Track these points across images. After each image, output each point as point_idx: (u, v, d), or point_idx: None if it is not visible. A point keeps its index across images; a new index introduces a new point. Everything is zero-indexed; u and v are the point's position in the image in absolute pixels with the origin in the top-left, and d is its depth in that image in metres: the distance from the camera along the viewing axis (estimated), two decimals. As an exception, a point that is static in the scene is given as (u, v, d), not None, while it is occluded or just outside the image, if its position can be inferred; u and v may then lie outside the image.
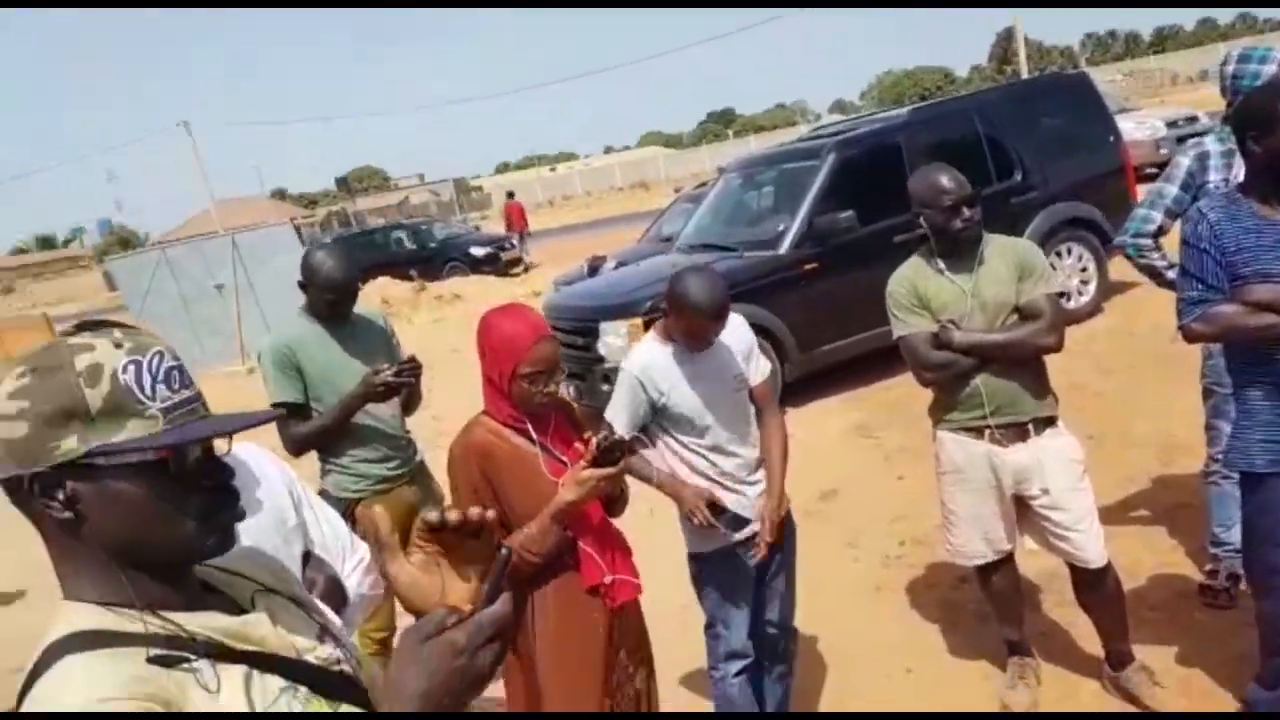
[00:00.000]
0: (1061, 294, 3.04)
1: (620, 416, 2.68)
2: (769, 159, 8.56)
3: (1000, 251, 2.87)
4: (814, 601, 3.12)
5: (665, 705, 2.49)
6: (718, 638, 2.79)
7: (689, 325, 2.58)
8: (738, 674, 2.77)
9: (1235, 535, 3.34)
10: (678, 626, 3.21)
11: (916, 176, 2.93)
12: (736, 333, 2.76)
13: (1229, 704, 2.81)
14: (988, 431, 2.88)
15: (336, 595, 1.81)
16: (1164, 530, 3.97)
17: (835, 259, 6.70)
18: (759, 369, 2.83)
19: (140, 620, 0.94)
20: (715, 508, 2.63)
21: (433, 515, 0.94)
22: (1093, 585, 2.91)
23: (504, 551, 0.91)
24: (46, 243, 77.85)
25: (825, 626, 3.64)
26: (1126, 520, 3.96)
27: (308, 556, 1.87)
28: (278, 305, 12.58)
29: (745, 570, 2.74)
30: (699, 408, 2.66)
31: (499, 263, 19.11)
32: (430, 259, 19.29)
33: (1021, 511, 2.96)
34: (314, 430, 3.08)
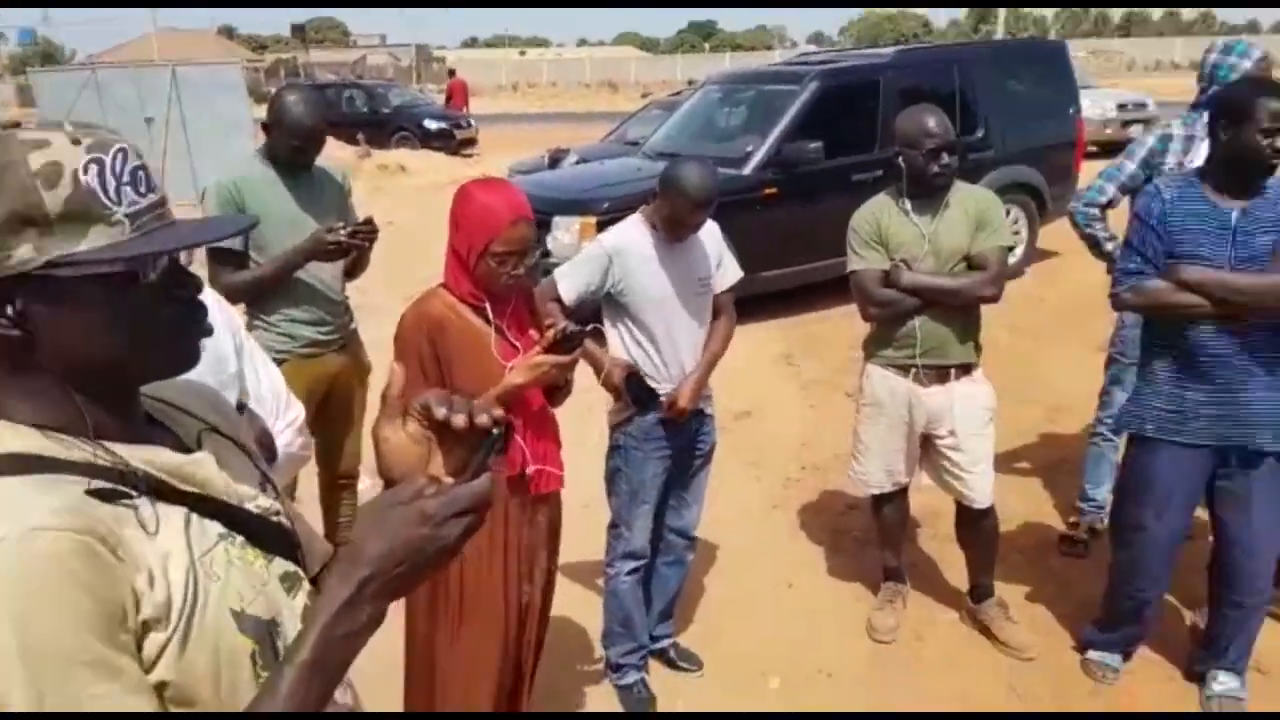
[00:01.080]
0: (1009, 249, 3.14)
1: (571, 281, 2.69)
2: (751, 77, 8.50)
3: (963, 200, 2.92)
4: (712, 512, 3.21)
5: (557, 594, 2.53)
6: (620, 538, 2.85)
7: (676, 208, 2.60)
8: (630, 573, 2.87)
9: (1102, 493, 3.65)
10: (576, 521, 3.32)
11: (905, 115, 2.94)
12: (712, 236, 2.81)
13: (1068, 641, 3.12)
14: (913, 370, 2.99)
15: (266, 451, 1.81)
16: (1040, 482, 4.28)
17: (795, 188, 6.75)
18: (730, 271, 2.90)
19: (81, 448, 0.86)
20: (632, 379, 2.67)
21: (440, 411, 0.88)
22: (974, 523, 3.13)
23: (496, 432, 0.88)
24: (-43, 44, 70.00)
25: (719, 537, 3.79)
26: (1010, 470, 4.23)
27: (240, 408, 1.83)
28: (211, 148, 11.73)
29: (659, 475, 2.80)
30: (658, 299, 2.69)
31: (452, 140, 18.56)
32: (381, 124, 18.65)
33: (925, 450, 3.11)
34: (250, 280, 2.92)
